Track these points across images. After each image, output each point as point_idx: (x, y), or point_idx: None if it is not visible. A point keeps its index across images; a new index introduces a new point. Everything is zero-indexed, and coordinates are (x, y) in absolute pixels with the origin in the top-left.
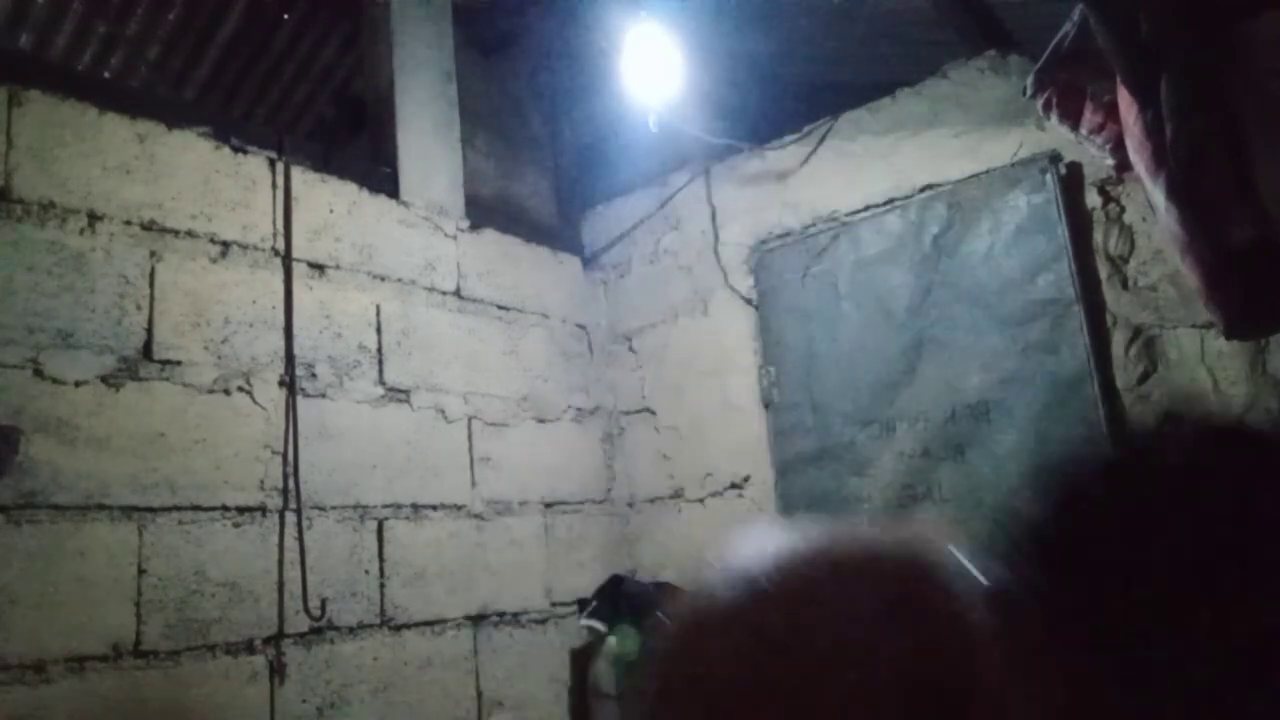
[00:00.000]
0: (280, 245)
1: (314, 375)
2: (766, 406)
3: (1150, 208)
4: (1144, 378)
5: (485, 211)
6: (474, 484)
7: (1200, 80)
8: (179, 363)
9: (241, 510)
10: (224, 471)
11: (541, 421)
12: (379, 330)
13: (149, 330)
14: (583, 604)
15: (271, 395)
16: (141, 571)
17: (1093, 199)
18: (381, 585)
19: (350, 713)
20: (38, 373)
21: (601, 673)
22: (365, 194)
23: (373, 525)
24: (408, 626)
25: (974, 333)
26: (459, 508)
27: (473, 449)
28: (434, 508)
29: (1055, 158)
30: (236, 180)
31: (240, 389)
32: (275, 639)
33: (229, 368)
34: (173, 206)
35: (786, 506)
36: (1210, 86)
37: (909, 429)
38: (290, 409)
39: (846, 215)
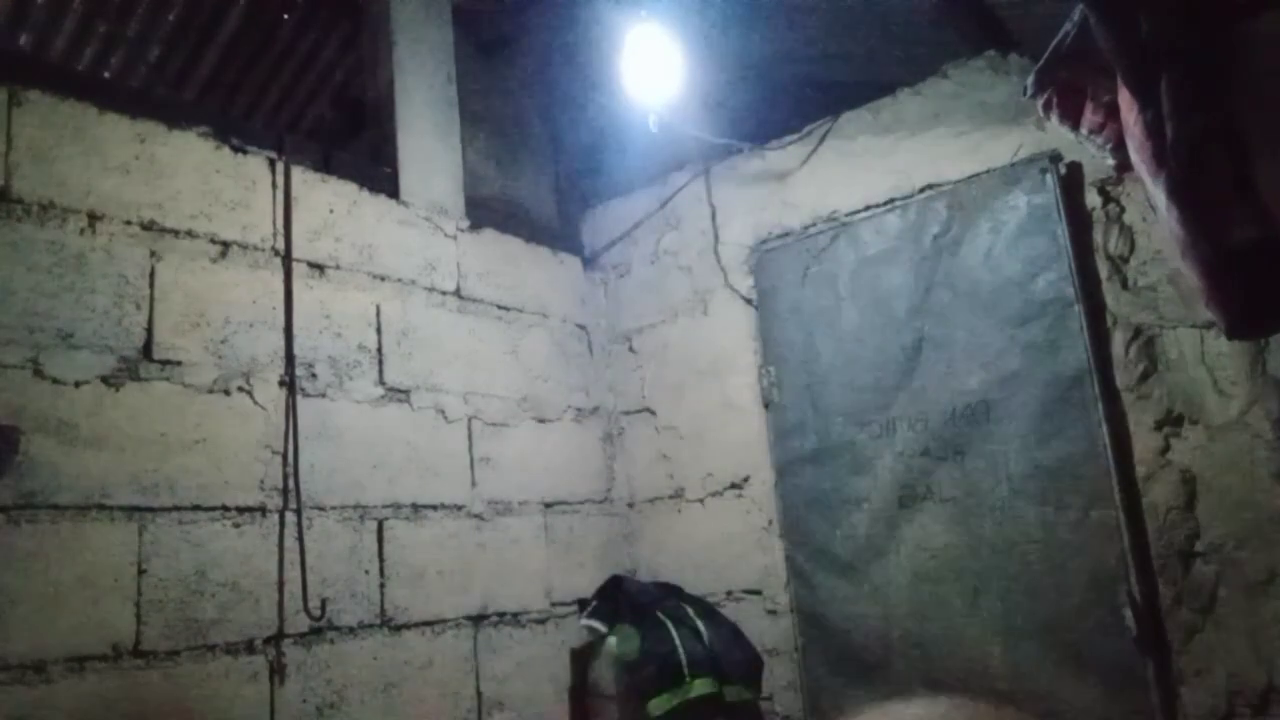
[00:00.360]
0: (280, 245)
1: (314, 375)
2: (766, 406)
3: (1150, 208)
4: (1144, 378)
5: (485, 211)
6: (474, 484)
7: (1200, 80)
8: (179, 363)
9: (241, 510)
10: (224, 471)
11: (541, 421)
12: (379, 330)
13: (149, 330)
14: (583, 604)
15: (271, 395)
16: (141, 571)
17: (1093, 199)
18: (381, 585)
19: (350, 713)
20: (38, 373)
21: (601, 673)
22: (365, 194)
23: (373, 525)
24: (408, 626)
25: (974, 333)
26: (459, 508)
27: (473, 449)
28: (434, 508)
29: (1055, 158)
30: (236, 180)
31: (240, 389)
32: (275, 639)
33: (229, 368)
34: (173, 206)
35: (786, 506)
36: (1210, 86)
37: (909, 429)
38: (290, 409)
39: (846, 215)
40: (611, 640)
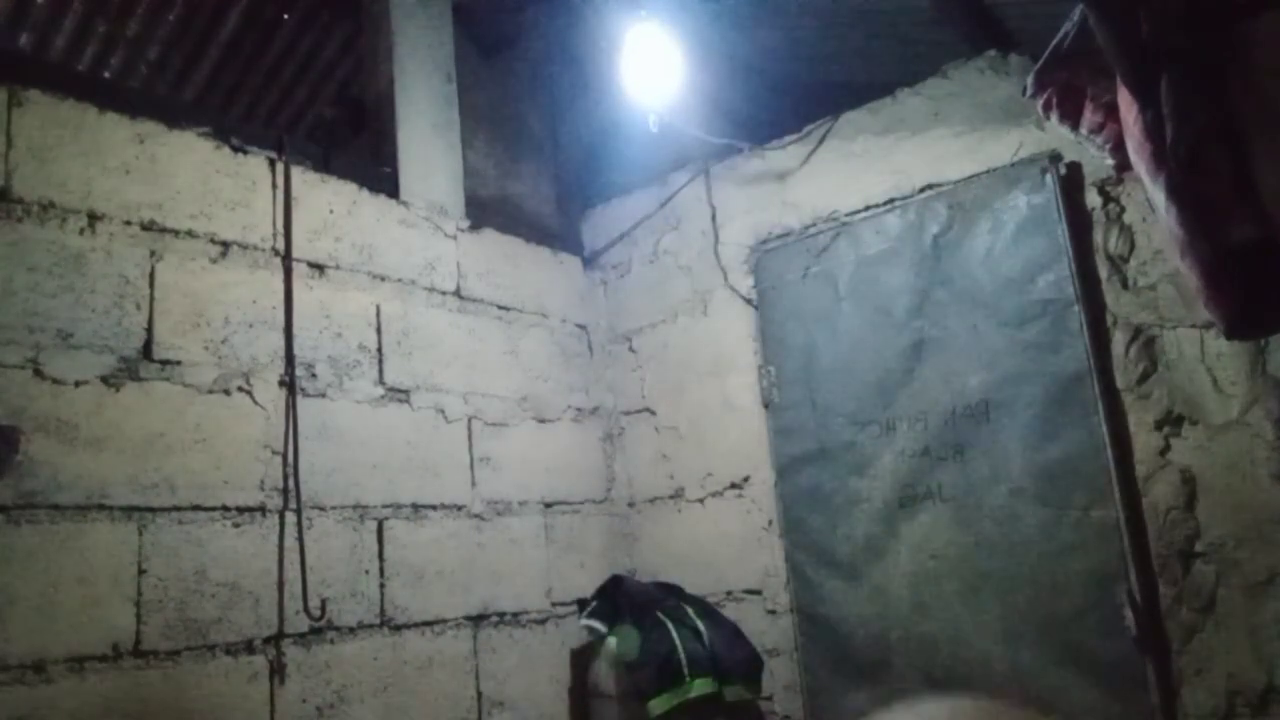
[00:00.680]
0: (280, 245)
1: (314, 375)
2: (766, 406)
3: (1150, 208)
4: (1144, 378)
5: (485, 211)
6: (474, 484)
7: (1200, 80)
8: (179, 363)
9: (241, 510)
10: (224, 471)
11: (541, 421)
12: (379, 330)
13: (149, 330)
14: (583, 604)
15: (271, 395)
16: (141, 571)
17: (1093, 199)
18: (381, 585)
19: (350, 713)
20: (38, 373)
21: (601, 673)
22: (365, 194)
23: (373, 525)
24: (408, 626)
25: (974, 333)
26: (459, 508)
27: (473, 449)
28: (434, 508)
29: (1055, 158)
30: (236, 180)
31: (240, 389)
32: (275, 639)
33: (229, 368)
34: (173, 206)
35: (786, 506)
36: (1210, 86)
37: (909, 429)
38: (290, 409)
39: (846, 215)
40: (611, 640)
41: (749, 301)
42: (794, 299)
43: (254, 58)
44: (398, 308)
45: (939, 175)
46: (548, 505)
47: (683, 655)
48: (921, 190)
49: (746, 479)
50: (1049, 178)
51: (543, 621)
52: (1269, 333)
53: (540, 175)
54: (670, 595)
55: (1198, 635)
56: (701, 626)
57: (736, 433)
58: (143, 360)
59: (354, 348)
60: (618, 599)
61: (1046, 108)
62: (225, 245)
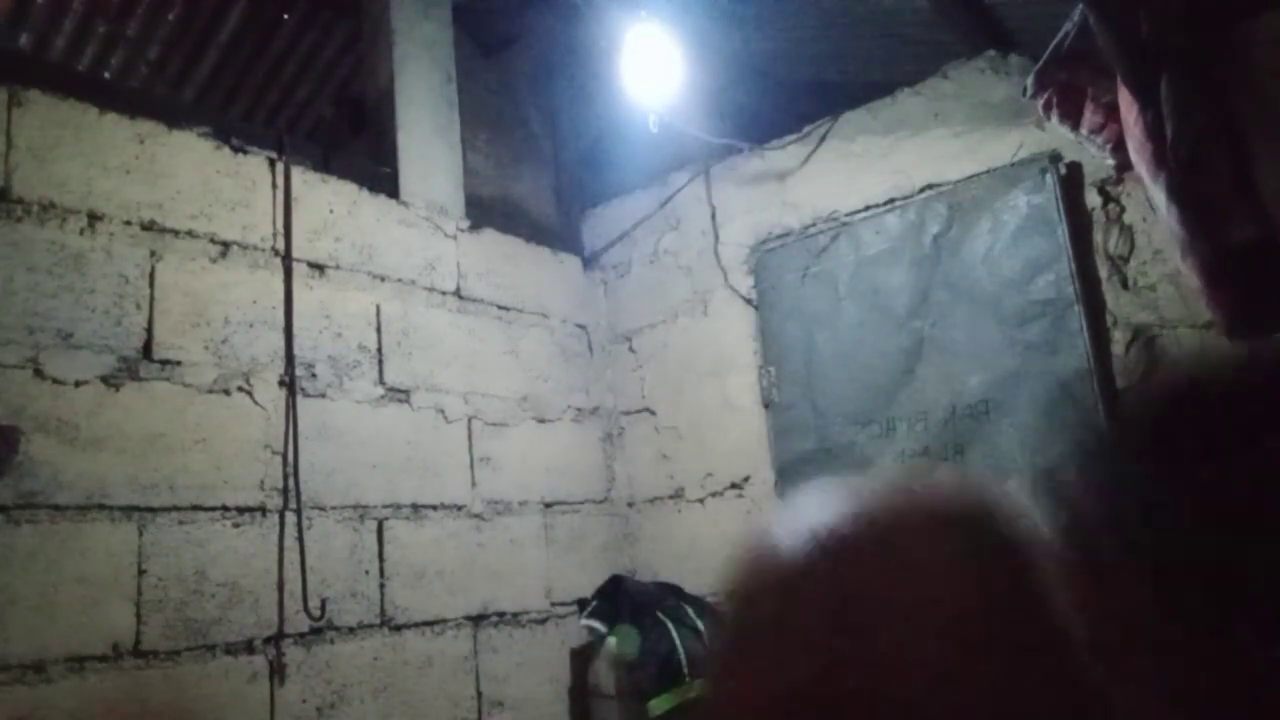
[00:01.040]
0: (280, 245)
1: (314, 375)
2: (766, 406)
3: (1150, 208)
4: (1144, 378)
5: (485, 211)
6: (474, 484)
7: (1200, 80)
8: (179, 363)
9: (241, 510)
10: (224, 471)
11: (541, 421)
12: (379, 330)
13: (149, 330)
14: (583, 604)
15: (271, 395)
16: (141, 571)
17: (1093, 199)
18: (381, 585)
19: (350, 713)
20: (38, 373)
21: (601, 673)
22: (365, 194)
23: (373, 525)
24: (408, 626)
25: (974, 333)
26: (459, 508)
27: (473, 449)
28: (434, 508)
29: (1055, 158)
30: (236, 180)
31: (240, 389)
32: (275, 639)
33: (229, 368)
34: (173, 206)
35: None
36: (1210, 86)
37: (909, 429)
38: (290, 409)
39: (846, 215)
40: (611, 640)
41: (749, 301)
42: (794, 299)
43: (254, 58)
44: (398, 308)
45: (939, 175)
46: (548, 505)
47: (683, 655)
48: (921, 190)
49: (747, 479)
50: (1049, 178)
51: (543, 621)
52: (1269, 332)
53: (540, 175)
54: (670, 595)
55: None
56: (702, 626)
57: (736, 433)
58: (143, 360)
59: (354, 348)
60: (618, 599)
61: (1047, 108)
62: (225, 245)
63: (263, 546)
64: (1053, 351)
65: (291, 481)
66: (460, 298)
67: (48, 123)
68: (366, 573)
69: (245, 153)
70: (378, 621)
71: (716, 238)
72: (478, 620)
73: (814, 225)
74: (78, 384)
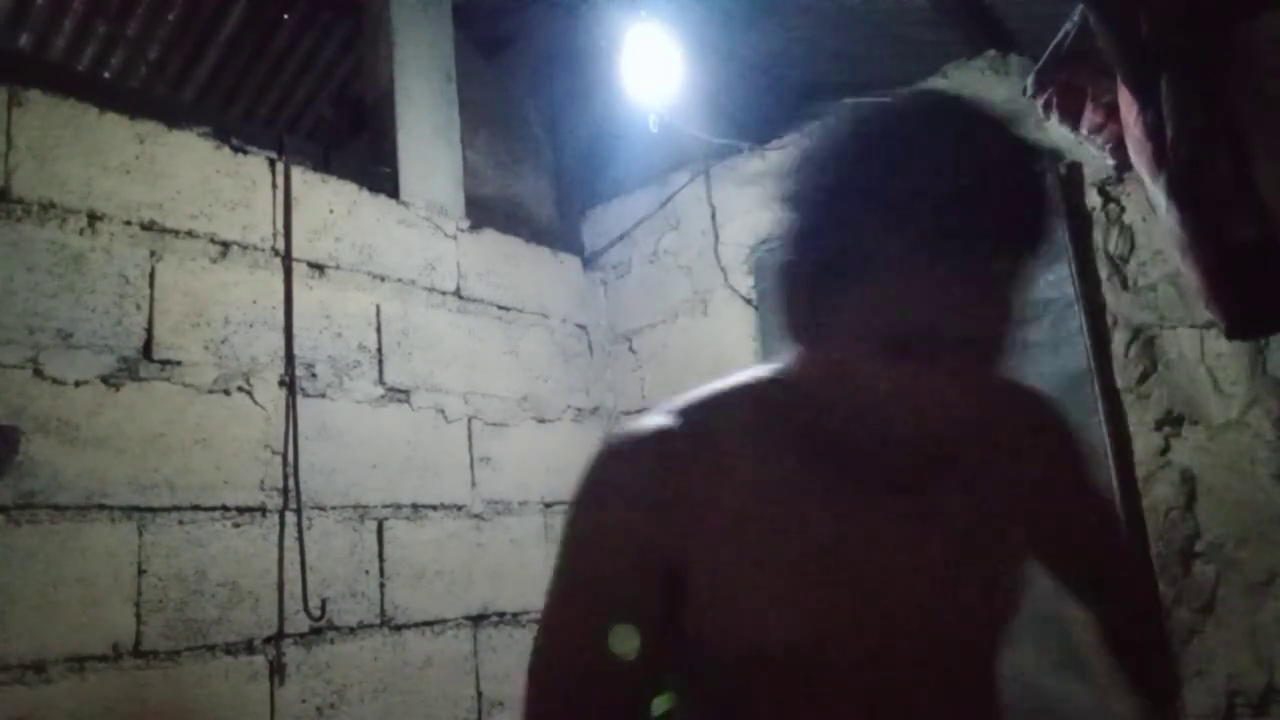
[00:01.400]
0: (280, 245)
1: (314, 375)
2: None
3: (1150, 208)
4: (1144, 378)
5: (485, 211)
6: (474, 484)
7: (1200, 80)
8: (179, 363)
9: (241, 510)
10: (224, 471)
11: (541, 421)
12: (379, 330)
13: (149, 330)
14: None
15: (271, 395)
16: (141, 571)
17: (1093, 199)
18: (381, 585)
19: (350, 713)
20: (38, 373)
21: None
22: (365, 194)
23: (373, 525)
24: (408, 626)
25: None
26: (459, 508)
27: (473, 449)
28: (434, 508)
29: (1055, 158)
30: (236, 180)
31: (240, 389)
32: (275, 639)
33: (229, 368)
34: (173, 206)
35: None
36: (1210, 86)
37: None
38: (290, 409)
39: None
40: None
41: (749, 302)
42: None
43: (254, 58)
44: (398, 308)
45: None
46: (548, 505)
47: None
48: None
49: None
50: (1049, 178)
51: None
52: (1269, 333)
53: (540, 175)
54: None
55: (1198, 635)
56: None
57: None
58: (143, 360)
59: (354, 348)
60: None
61: (1047, 108)
62: (225, 245)
63: (263, 546)
64: (1053, 351)
65: (291, 481)
66: (460, 298)
67: (48, 123)
68: (366, 573)
69: (245, 153)
70: (378, 621)
71: (716, 238)
72: (478, 620)
73: None
74: (78, 384)
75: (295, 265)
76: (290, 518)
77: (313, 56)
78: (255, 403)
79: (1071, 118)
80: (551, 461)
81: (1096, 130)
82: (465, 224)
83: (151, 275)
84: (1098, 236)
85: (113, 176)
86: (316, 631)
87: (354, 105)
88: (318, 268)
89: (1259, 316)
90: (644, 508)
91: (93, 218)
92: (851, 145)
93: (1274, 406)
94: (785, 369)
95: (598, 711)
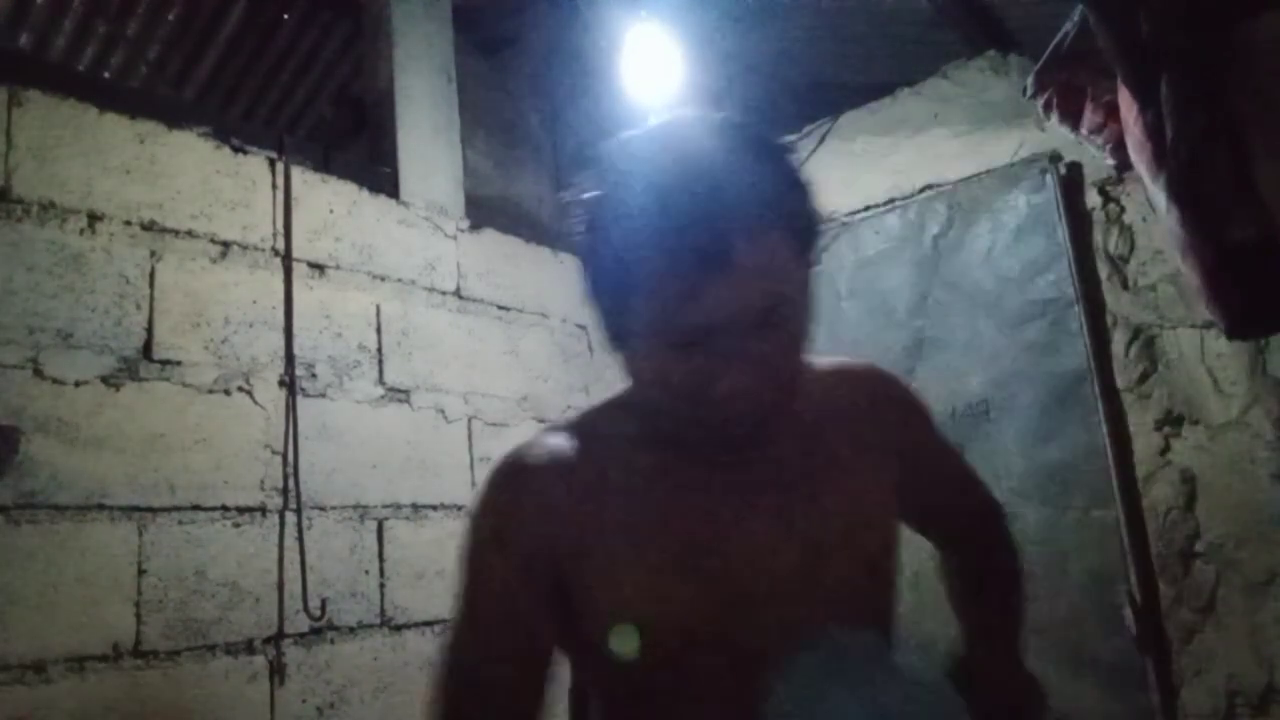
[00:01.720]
0: (280, 245)
1: (314, 375)
2: None
3: (1150, 208)
4: (1144, 378)
5: (485, 211)
6: (474, 484)
7: (1200, 80)
8: (179, 363)
9: (241, 510)
10: (224, 471)
11: (541, 421)
12: (379, 330)
13: (149, 330)
14: None
15: (271, 395)
16: (141, 571)
17: (1093, 199)
18: (381, 585)
19: (350, 713)
20: (38, 373)
21: None
22: (365, 194)
23: (373, 525)
24: (408, 626)
25: (974, 333)
26: (459, 508)
27: (473, 449)
28: (434, 508)
29: (1055, 158)
30: (236, 180)
31: (240, 389)
32: (275, 639)
33: (229, 368)
34: (173, 206)
35: None
36: (1210, 86)
37: None
38: (290, 409)
39: (846, 215)
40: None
41: None
42: None
43: (254, 58)
44: (398, 308)
45: (939, 175)
46: None
47: None
48: (921, 190)
49: None
50: (1049, 178)
51: None
52: (1269, 332)
53: (540, 175)
54: None
55: (1198, 635)
56: None
57: None
58: (143, 360)
59: (354, 348)
60: None
61: (1047, 108)
62: (225, 245)
63: (263, 546)
64: (1053, 351)
65: (291, 481)
66: (460, 298)
67: (48, 123)
68: (366, 573)
69: (245, 153)
70: (378, 621)
71: None
72: None
73: None
74: (78, 384)
75: (295, 265)
76: (290, 518)
77: (313, 56)
78: (255, 403)
79: (1071, 118)
80: None
81: (1096, 130)
82: (465, 224)
83: (151, 275)
84: (1098, 236)
85: (113, 176)
86: (316, 631)
87: (354, 105)
88: (318, 268)
89: (1259, 316)
90: (530, 525)
91: (93, 218)
92: (604, 176)
93: (1274, 406)
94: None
95: (497, 714)
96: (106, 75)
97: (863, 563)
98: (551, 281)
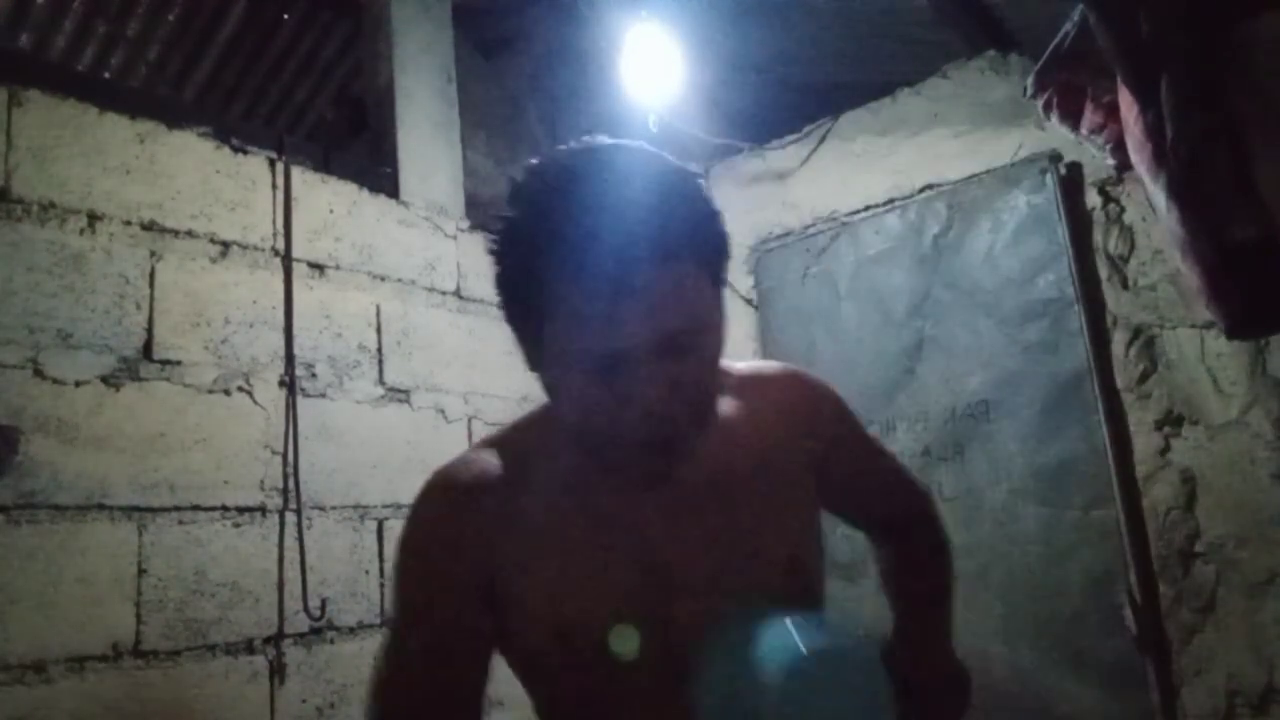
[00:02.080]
0: (280, 245)
1: (314, 375)
2: None
3: (1150, 208)
4: (1144, 378)
5: (485, 211)
6: None
7: (1200, 80)
8: (179, 363)
9: (241, 510)
10: (224, 471)
11: None
12: (379, 330)
13: (149, 330)
14: None
15: (271, 395)
16: (141, 571)
17: (1093, 199)
18: (381, 585)
19: (350, 713)
20: (38, 373)
21: None
22: (365, 194)
23: (373, 525)
24: None
25: (974, 333)
26: None
27: None
28: None
29: (1055, 158)
30: (236, 180)
31: (240, 389)
32: (275, 639)
33: (229, 368)
34: (173, 206)
35: None
36: (1210, 86)
37: (909, 429)
38: (290, 409)
39: (846, 215)
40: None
41: (749, 301)
42: (794, 299)
43: (254, 58)
44: (398, 308)
45: (939, 175)
46: None
47: None
48: (921, 190)
49: None
50: (1049, 178)
51: None
52: (1269, 333)
53: None
54: None
55: (1198, 635)
56: None
57: None
58: (143, 360)
59: (354, 348)
60: None
61: (1047, 108)
62: (225, 245)
63: (263, 546)
64: (1053, 351)
65: (291, 481)
66: (460, 298)
67: (48, 123)
68: (366, 573)
69: (245, 153)
70: (378, 622)
71: None
72: None
73: (814, 225)
74: (78, 384)
75: (295, 265)
76: (290, 518)
77: (313, 56)
78: (255, 403)
79: (1071, 118)
80: None
81: (1096, 130)
82: (465, 224)
83: (151, 275)
84: (1098, 236)
85: (113, 176)
86: (316, 631)
87: (354, 105)
88: (318, 268)
89: (1259, 316)
90: (462, 539)
91: (93, 218)
92: (516, 204)
93: (1274, 406)
94: None
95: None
96: (106, 75)
97: (785, 564)
98: None
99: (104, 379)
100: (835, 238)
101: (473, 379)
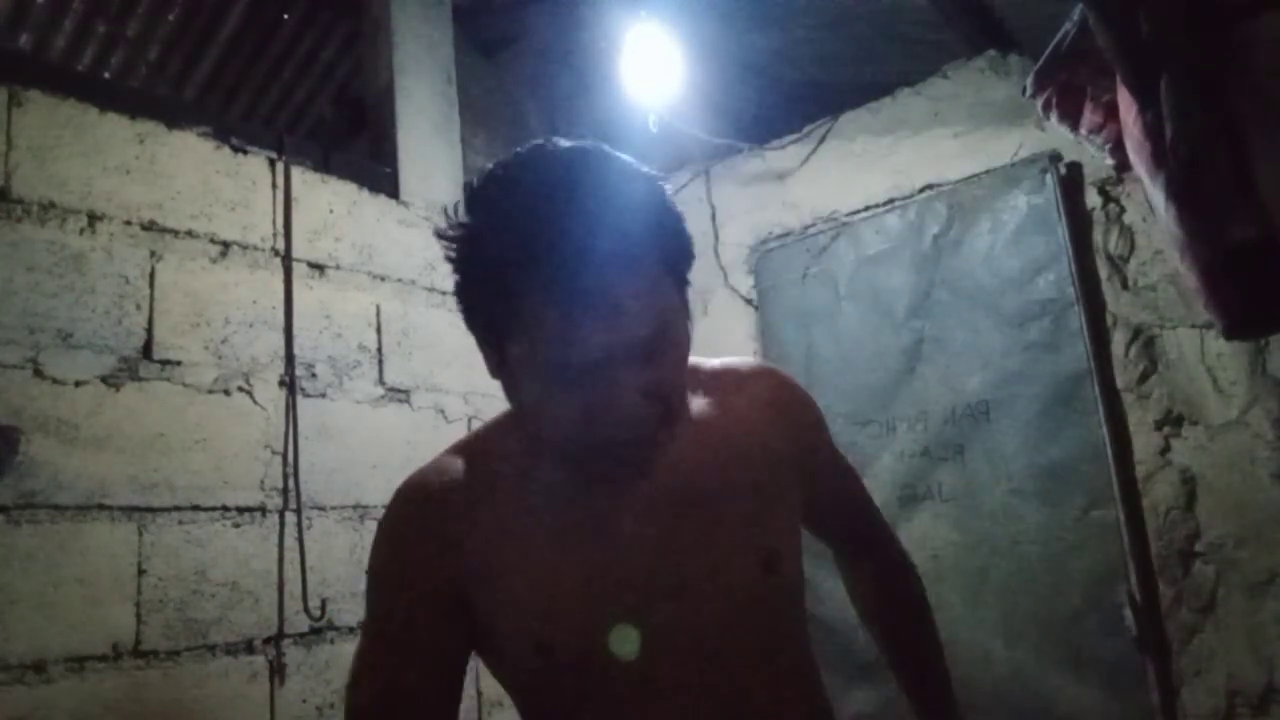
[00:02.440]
0: (280, 245)
1: (314, 375)
2: None
3: (1150, 208)
4: (1144, 378)
5: None
6: None
7: (1200, 80)
8: (179, 363)
9: (241, 510)
10: (224, 471)
11: None
12: (379, 330)
13: (149, 330)
14: None
15: (271, 395)
16: (141, 571)
17: (1093, 199)
18: None
19: None
20: (38, 373)
21: None
22: (365, 194)
23: (373, 525)
24: None
25: (974, 333)
26: None
27: None
28: None
29: (1055, 158)
30: (236, 180)
31: (240, 389)
32: (275, 639)
33: (229, 368)
34: (173, 206)
35: None
36: (1210, 86)
37: (909, 429)
38: (290, 409)
39: (846, 215)
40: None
41: (749, 302)
42: (794, 299)
43: (254, 58)
44: (398, 308)
45: (939, 175)
46: None
47: None
48: (921, 190)
49: None
50: (1049, 178)
51: None
52: (1269, 333)
53: None
54: None
55: (1198, 635)
56: None
57: None
58: (143, 360)
59: (354, 348)
60: None
61: (1046, 108)
62: (225, 245)
63: (263, 546)
64: (1053, 351)
65: (291, 481)
66: None
67: (48, 123)
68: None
69: (245, 153)
70: None
71: (716, 238)
72: None
73: (814, 225)
74: (78, 384)
75: (295, 265)
76: (290, 518)
77: (313, 56)
78: (255, 403)
79: (1071, 118)
80: None
81: (1096, 130)
82: None
83: (151, 275)
84: (1098, 236)
85: (113, 176)
86: (316, 631)
87: (354, 105)
88: (318, 268)
89: (1258, 316)
90: (433, 548)
91: (93, 218)
92: (470, 211)
93: (1274, 406)
94: None
95: None
96: (106, 75)
97: (761, 565)
98: None
99: (104, 379)
100: (835, 238)
101: (473, 379)
